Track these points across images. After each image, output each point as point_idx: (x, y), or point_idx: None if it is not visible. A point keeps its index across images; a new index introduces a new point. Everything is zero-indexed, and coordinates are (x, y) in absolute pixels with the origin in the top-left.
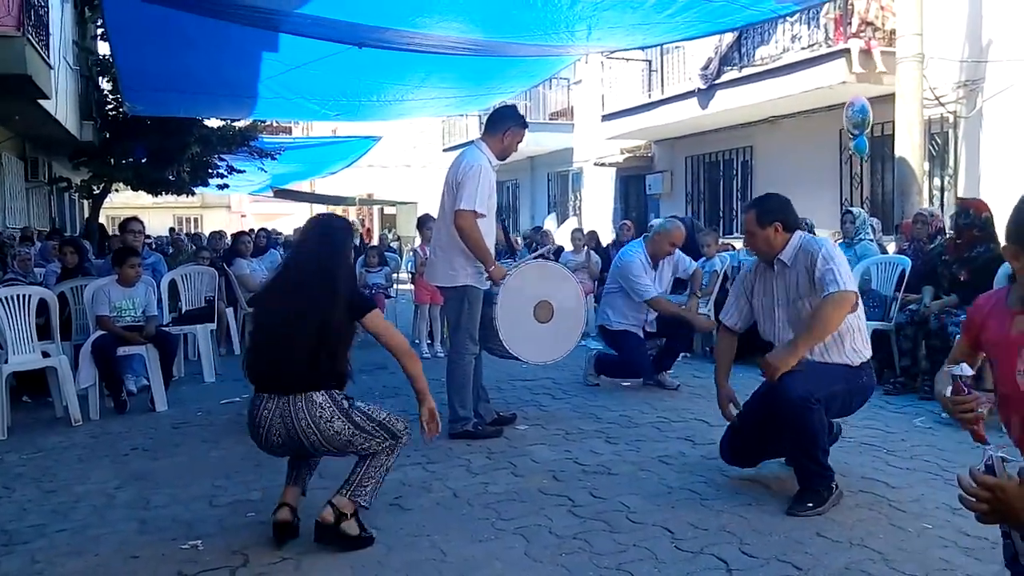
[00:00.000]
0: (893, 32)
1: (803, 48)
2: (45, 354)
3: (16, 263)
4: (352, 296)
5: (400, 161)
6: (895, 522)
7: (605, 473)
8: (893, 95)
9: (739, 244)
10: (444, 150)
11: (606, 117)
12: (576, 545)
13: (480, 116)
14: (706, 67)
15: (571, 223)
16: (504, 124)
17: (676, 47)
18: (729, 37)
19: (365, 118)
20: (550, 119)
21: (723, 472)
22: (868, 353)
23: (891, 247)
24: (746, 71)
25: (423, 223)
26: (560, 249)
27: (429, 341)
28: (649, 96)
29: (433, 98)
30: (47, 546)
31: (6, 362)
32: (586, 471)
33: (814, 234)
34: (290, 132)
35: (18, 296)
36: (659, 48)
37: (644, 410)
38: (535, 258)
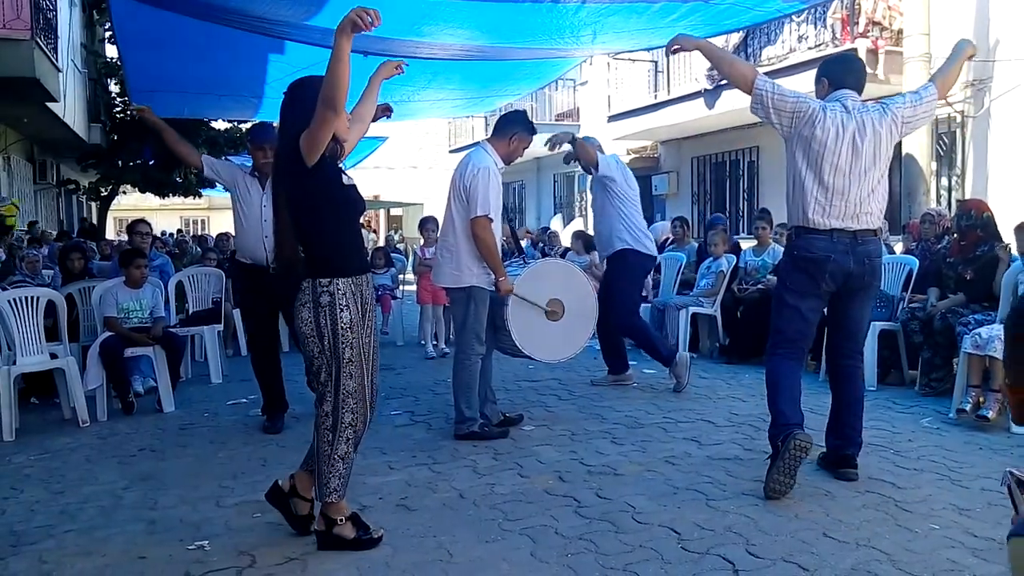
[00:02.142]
0: (900, 32)
1: (810, 48)
2: (53, 355)
3: (24, 265)
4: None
5: (406, 162)
6: (902, 523)
7: (611, 474)
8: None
9: (746, 244)
10: (450, 151)
11: (612, 118)
12: (582, 546)
13: (486, 117)
14: (712, 68)
15: (577, 224)
16: (512, 129)
17: None
18: (735, 37)
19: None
20: (556, 120)
21: (729, 473)
22: None
23: (898, 247)
24: None
25: (424, 224)
26: (566, 251)
27: (435, 342)
28: (655, 97)
29: (439, 100)
30: (55, 547)
31: (14, 363)
32: (592, 472)
33: (775, 230)
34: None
35: (26, 298)
36: (665, 49)
37: (650, 411)
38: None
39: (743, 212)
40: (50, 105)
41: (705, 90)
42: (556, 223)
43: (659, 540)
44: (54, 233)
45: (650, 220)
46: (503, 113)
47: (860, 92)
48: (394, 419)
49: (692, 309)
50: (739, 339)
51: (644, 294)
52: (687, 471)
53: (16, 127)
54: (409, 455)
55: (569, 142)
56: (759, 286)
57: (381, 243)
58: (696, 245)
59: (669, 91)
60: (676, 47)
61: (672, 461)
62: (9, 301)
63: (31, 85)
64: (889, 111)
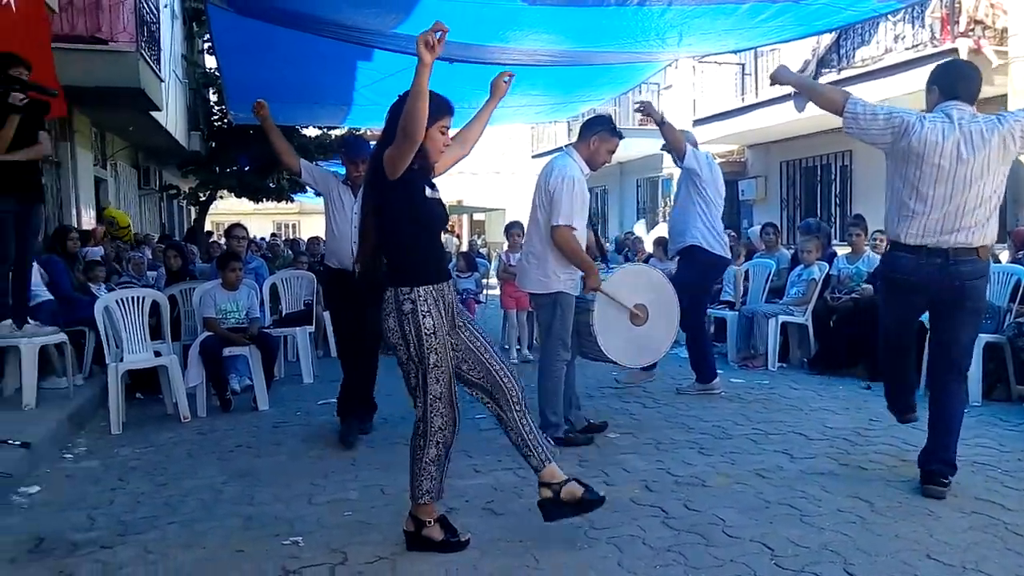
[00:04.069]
0: (1004, 30)
1: (907, 48)
2: (157, 353)
3: (130, 266)
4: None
5: (489, 168)
6: (1012, 546)
7: (699, 485)
8: (1005, 96)
9: (841, 251)
10: (533, 157)
11: (697, 122)
12: (671, 557)
13: (569, 123)
14: (803, 70)
15: (661, 230)
16: (592, 130)
17: (771, 49)
18: (827, 38)
19: (455, 125)
20: (639, 124)
21: (824, 488)
22: None
23: (1004, 256)
24: (845, 73)
25: (509, 229)
26: (649, 256)
27: (518, 347)
28: (743, 100)
29: (522, 106)
30: (159, 538)
31: (122, 360)
32: (679, 482)
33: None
34: (370, 138)
35: (133, 298)
36: (753, 51)
37: (739, 421)
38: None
39: (835, 218)
40: (153, 114)
41: (795, 93)
42: (639, 228)
43: (751, 556)
44: (156, 236)
45: (736, 227)
46: (587, 119)
47: (972, 102)
48: (479, 423)
49: (782, 318)
50: (831, 349)
51: (731, 301)
52: (779, 485)
53: (122, 135)
54: (495, 459)
55: (658, 122)
56: (852, 295)
57: (464, 248)
58: (788, 252)
59: (757, 94)
60: (774, 81)
61: (763, 474)
62: (117, 301)
63: (136, 95)
64: (1006, 123)
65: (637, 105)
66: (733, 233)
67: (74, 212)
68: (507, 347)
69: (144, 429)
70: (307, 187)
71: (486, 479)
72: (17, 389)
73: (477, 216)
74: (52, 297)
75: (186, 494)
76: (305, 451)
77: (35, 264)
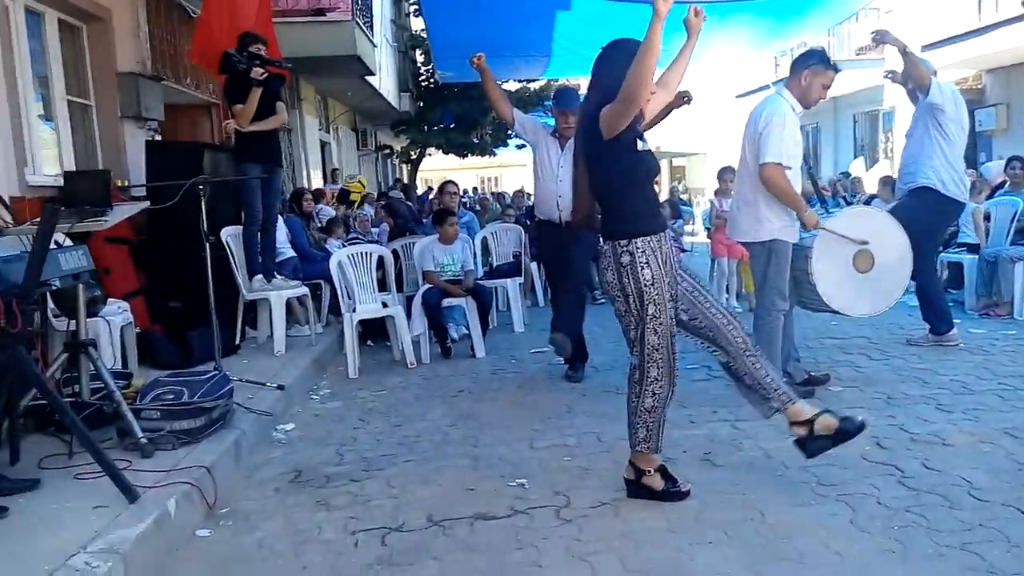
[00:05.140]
0: None
1: None
2: (384, 304)
3: (357, 224)
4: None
5: (689, 110)
6: None
7: (938, 443)
8: None
9: None
10: (737, 97)
11: (925, 47)
12: (909, 519)
13: (776, 58)
14: None
15: (883, 168)
16: (804, 64)
17: None
18: None
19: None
20: (857, 55)
21: None
22: None
23: None
24: None
25: (721, 175)
26: (871, 197)
27: (727, 295)
28: (980, 20)
29: (725, 43)
30: (398, 474)
31: (354, 311)
32: (915, 440)
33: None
34: (580, 88)
35: (361, 253)
36: None
37: (981, 376)
38: None
39: None
40: (368, 79)
41: None
42: (857, 167)
43: (1003, 520)
44: (375, 194)
45: (972, 160)
46: (799, 53)
47: None
48: (691, 373)
49: None
50: None
51: (970, 243)
52: None
53: (341, 100)
54: (709, 410)
55: (902, 51)
56: None
57: (664, 195)
58: None
59: (997, 10)
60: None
61: (1013, 433)
62: (348, 256)
63: (352, 61)
64: None
65: (873, 34)
66: (973, 172)
67: (304, 174)
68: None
69: (376, 374)
70: (512, 137)
71: (701, 430)
72: (268, 337)
73: (677, 161)
74: (294, 254)
75: (418, 435)
76: (522, 397)
77: (279, 223)
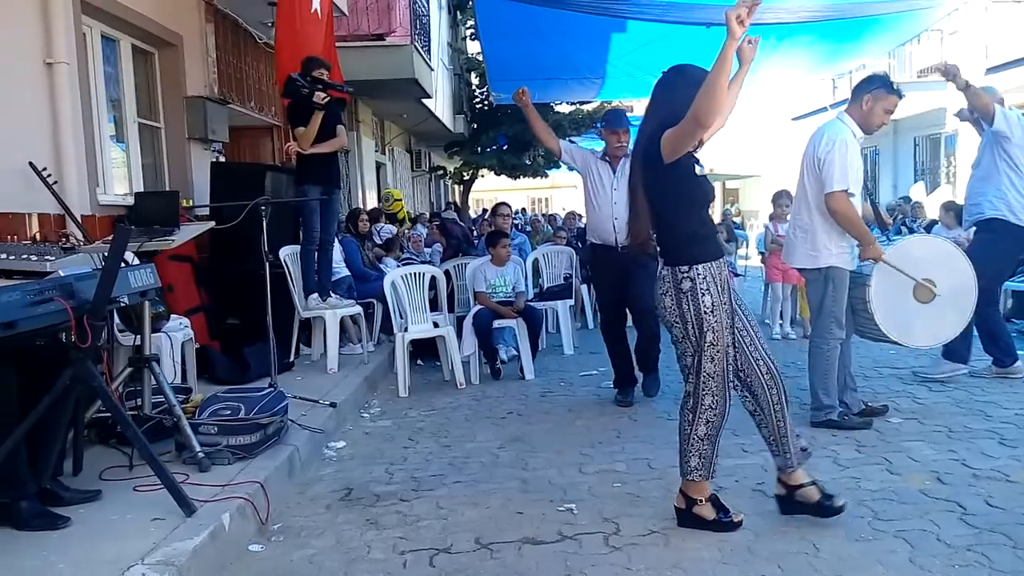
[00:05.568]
0: None
1: None
2: (435, 324)
3: (410, 244)
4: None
5: (742, 132)
6: None
7: (1002, 480)
8: None
9: None
10: (792, 119)
11: (991, 69)
12: (971, 558)
13: (833, 81)
14: None
15: (944, 192)
16: (865, 88)
17: None
18: None
19: None
20: (918, 76)
21: None
22: None
23: None
24: None
25: (777, 199)
26: (932, 223)
27: (780, 321)
28: None
29: (783, 65)
30: (447, 495)
31: (406, 330)
32: (977, 476)
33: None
34: (632, 111)
35: (414, 274)
36: None
37: None
38: None
39: None
40: (424, 101)
41: None
42: (917, 192)
43: None
44: (427, 214)
45: None
46: (861, 79)
47: None
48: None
49: None
50: None
51: None
52: None
53: (397, 122)
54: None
55: (961, 88)
56: None
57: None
58: None
59: None
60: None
61: None
62: (402, 276)
63: (410, 84)
64: None
65: (939, 67)
66: None
67: (360, 195)
68: (767, 322)
69: (426, 393)
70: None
71: (755, 459)
72: (321, 354)
73: (730, 184)
74: (349, 273)
75: (468, 456)
76: (571, 420)
77: (336, 243)
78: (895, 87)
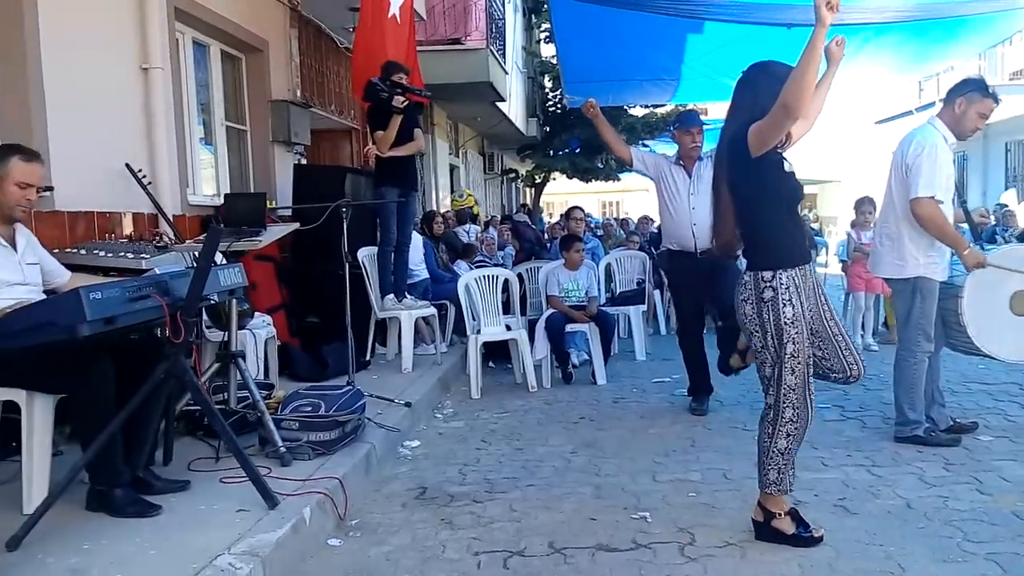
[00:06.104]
0: None
1: None
2: (508, 327)
3: (484, 247)
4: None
5: (822, 135)
6: None
7: None
8: None
9: None
10: (876, 123)
11: None
12: None
13: (920, 83)
14: None
15: None
16: (959, 91)
17: None
18: None
19: None
20: (1011, 79)
21: None
22: None
23: None
24: None
25: (860, 205)
26: None
27: (863, 332)
28: None
29: (868, 66)
30: (521, 497)
31: (479, 332)
32: None
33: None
34: (706, 113)
35: (488, 276)
36: None
37: None
38: None
39: None
40: (498, 104)
41: None
42: (1009, 198)
43: None
44: (498, 217)
45: None
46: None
47: None
48: (823, 413)
49: None
50: None
51: None
52: None
53: (471, 125)
54: (843, 453)
55: None
56: None
57: None
58: None
59: None
60: None
61: None
62: (475, 279)
63: (485, 87)
64: None
65: None
66: None
67: (434, 197)
68: (849, 333)
69: (498, 395)
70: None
71: (835, 473)
72: (396, 354)
73: (808, 188)
74: (426, 276)
75: (540, 459)
76: (644, 427)
77: (418, 244)
78: (991, 90)
